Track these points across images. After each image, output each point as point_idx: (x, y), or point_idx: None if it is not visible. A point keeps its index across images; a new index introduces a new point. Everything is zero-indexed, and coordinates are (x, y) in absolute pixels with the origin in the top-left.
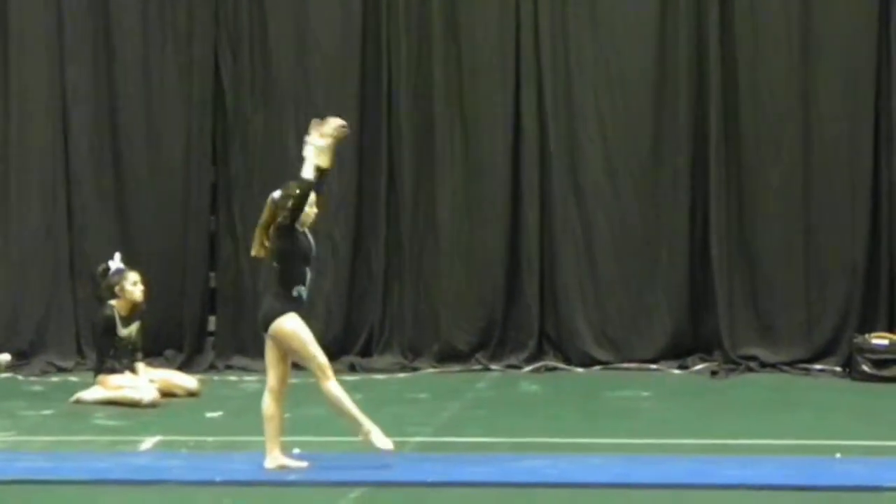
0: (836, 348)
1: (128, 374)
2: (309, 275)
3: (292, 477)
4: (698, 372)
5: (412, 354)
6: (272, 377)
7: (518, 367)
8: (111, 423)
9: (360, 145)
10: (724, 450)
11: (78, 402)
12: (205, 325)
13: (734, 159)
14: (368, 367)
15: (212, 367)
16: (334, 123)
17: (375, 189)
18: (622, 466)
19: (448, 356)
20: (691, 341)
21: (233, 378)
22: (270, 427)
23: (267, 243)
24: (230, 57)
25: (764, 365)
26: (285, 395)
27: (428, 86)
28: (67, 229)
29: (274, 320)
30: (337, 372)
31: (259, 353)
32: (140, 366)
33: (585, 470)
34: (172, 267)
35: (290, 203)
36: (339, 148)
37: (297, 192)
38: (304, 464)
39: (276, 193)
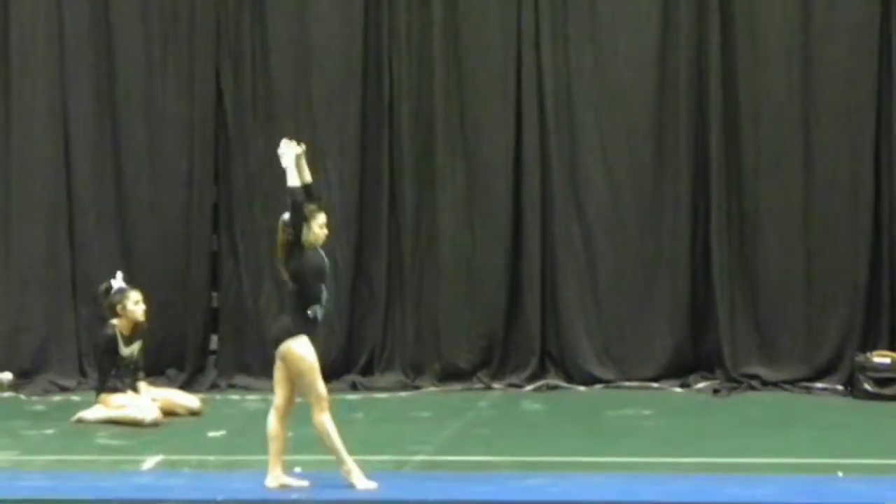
0: (837, 367)
1: (130, 394)
2: (325, 294)
3: (294, 496)
4: (700, 390)
5: (414, 373)
6: (279, 396)
7: (520, 386)
8: (113, 442)
9: (362, 164)
10: (725, 468)
11: (80, 421)
12: (207, 344)
13: (735, 177)
14: (370, 386)
15: (214, 387)
16: (290, 150)
17: (377, 207)
18: (624, 485)
19: (450, 375)
20: (693, 360)
21: (235, 397)
22: (274, 446)
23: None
24: (232, 77)
25: (765, 383)
26: (291, 415)
27: (429, 105)
28: (69, 249)
29: (284, 341)
30: (339, 391)
31: (261, 372)
32: (142, 385)
33: (587, 488)
34: (174, 286)
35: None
36: (340, 167)
37: (290, 203)
38: (305, 483)
39: (286, 215)
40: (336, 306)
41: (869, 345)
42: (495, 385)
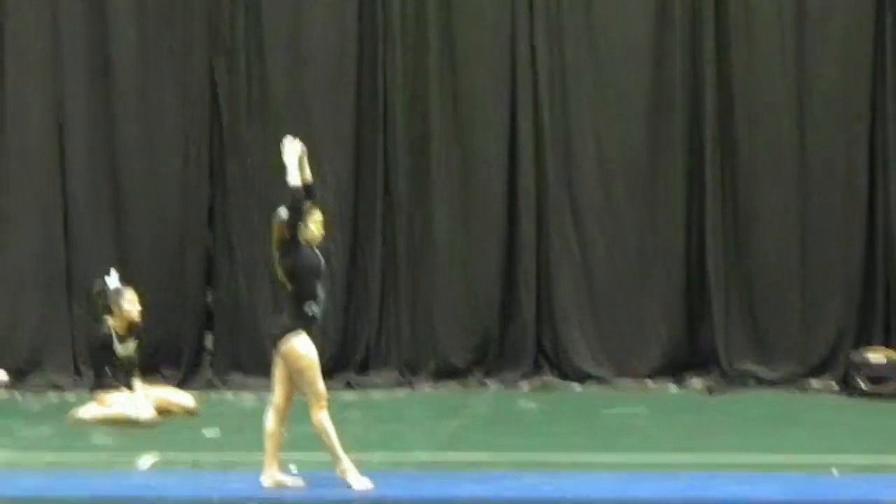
0: (832, 364)
1: (125, 392)
2: (320, 291)
3: (289, 495)
4: (695, 388)
5: (409, 371)
6: (278, 394)
7: (515, 384)
8: (108, 441)
9: (356, 161)
10: (720, 466)
11: (75, 420)
12: (202, 342)
13: (730, 175)
14: (365, 385)
15: (209, 385)
16: (291, 149)
17: (371, 206)
18: (620, 483)
19: (445, 373)
20: (688, 358)
21: (230, 395)
22: (270, 444)
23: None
24: (226, 71)
25: (760, 381)
26: (288, 414)
27: (424, 102)
28: (64, 247)
29: (285, 339)
30: (333, 389)
31: (256, 370)
32: (137, 383)
33: (583, 487)
34: (169, 284)
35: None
36: (335, 164)
37: (289, 201)
38: (300, 482)
39: (281, 212)
40: (330, 305)
41: (863, 342)
42: (490, 383)
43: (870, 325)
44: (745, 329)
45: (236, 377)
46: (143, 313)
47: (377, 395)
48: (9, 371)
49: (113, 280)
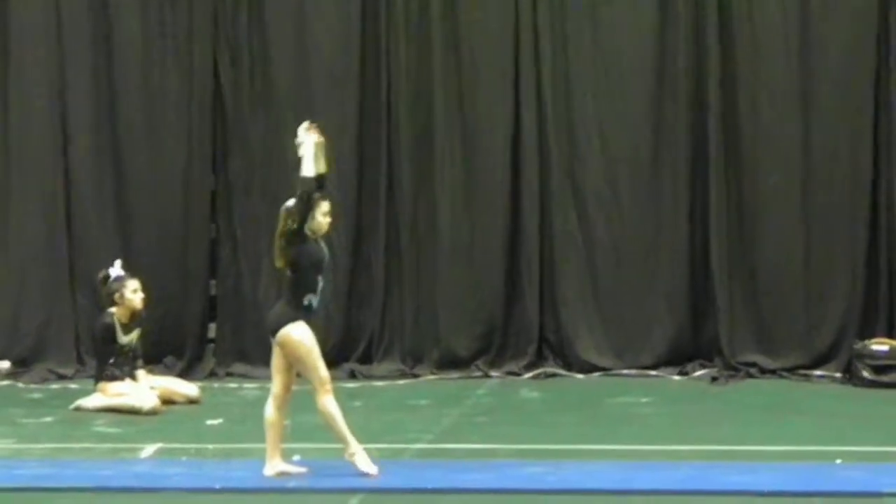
0: (836, 354)
1: (128, 382)
2: (321, 284)
3: (292, 484)
4: (698, 378)
5: (412, 361)
6: (277, 384)
7: (518, 374)
8: (111, 430)
9: (360, 151)
10: (724, 456)
11: (78, 409)
12: (205, 332)
13: (734, 166)
14: (368, 374)
15: (212, 375)
16: (308, 136)
17: (375, 195)
18: (622, 473)
19: (448, 363)
20: (691, 347)
21: (233, 385)
22: (271, 434)
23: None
24: (229, 63)
25: (764, 371)
26: (288, 403)
27: (427, 92)
28: (67, 236)
29: (282, 327)
30: (337, 379)
31: (259, 360)
32: (140, 373)
33: (585, 476)
34: (173, 274)
35: (293, 206)
36: (339, 154)
37: (299, 192)
38: (303, 469)
39: (290, 202)
40: (333, 295)
41: (867, 332)
42: (493, 373)
43: (873, 315)
44: (749, 319)
45: (239, 367)
46: (147, 302)
47: (380, 384)
48: (12, 360)
49: (116, 269)
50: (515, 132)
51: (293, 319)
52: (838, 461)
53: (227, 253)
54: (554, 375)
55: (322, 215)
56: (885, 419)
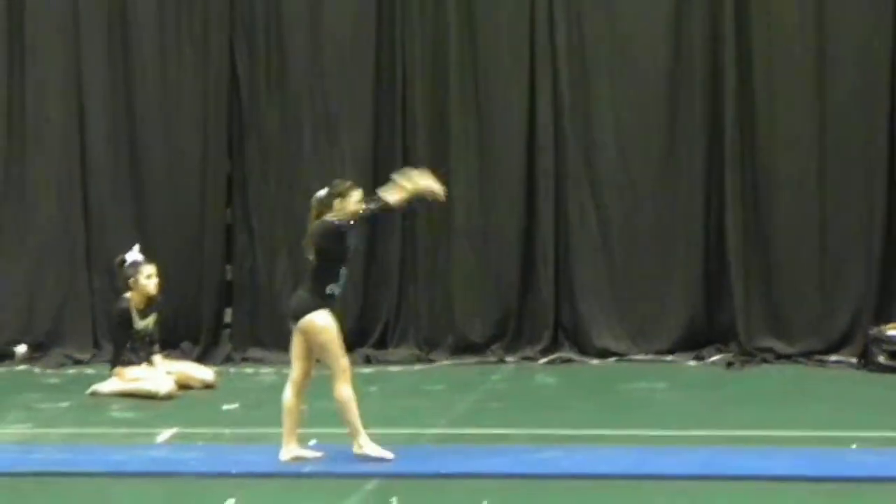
0: (851, 339)
1: (144, 367)
2: (344, 273)
3: (308, 468)
4: (714, 363)
5: (427, 346)
6: (296, 370)
7: (533, 359)
8: (127, 415)
9: (375, 137)
10: (739, 441)
11: (94, 394)
12: (221, 317)
13: (749, 150)
14: (384, 360)
15: (228, 360)
16: (429, 184)
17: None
18: (637, 458)
19: (463, 348)
20: (707, 333)
21: (249, 370)
22: (289, 419)
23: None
24: (245, 49)
25: (779, 356)
26: (306, 389)
27: (443, 76)
28: (84, 221)
29: (305, 314)
30: (352, 364)
31: (275, 345)
32: (157, 358)
33: (600, 461)
34: (188, 259)
35: (361, 211)
36: (354, 141)
37: (372, 207)
38: (319, 454)
39: (321, 193)
40: (350, 281)
41: (882, 317)
42: (509, 358)
43: (889, 300)
44: (764, 304)
45: (255, 352)
46: (162, 288)
47: (395, 369)
48: (28, 345)
49: (133, 254)
50: (531, 117)
51: (317, 307)
52: (854, 446)
53: (242, 238)
54: (569, 361)
55: (355, 203)
56: None
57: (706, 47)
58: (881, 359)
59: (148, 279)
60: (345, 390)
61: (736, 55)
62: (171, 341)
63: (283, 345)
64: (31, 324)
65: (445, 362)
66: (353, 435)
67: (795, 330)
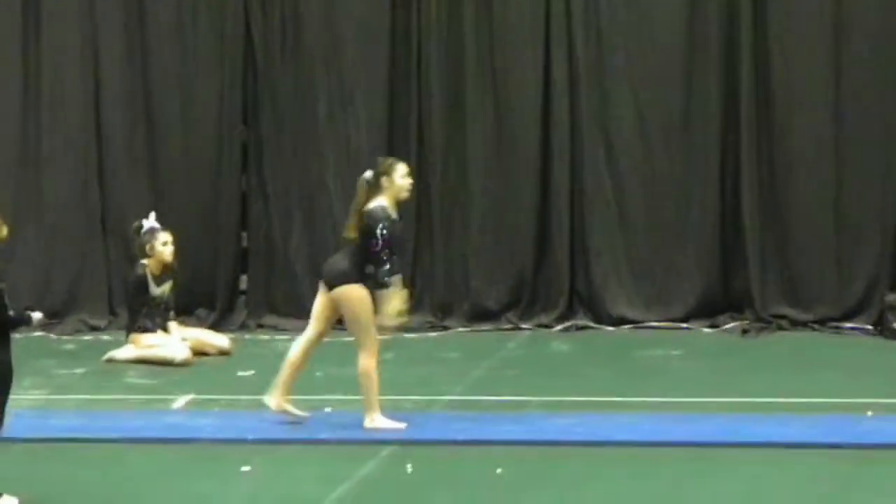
0: (867, 307)
1: (160, 333)
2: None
3: (324, 435)
4: (729, 331)
5: (442, 314)
6: (312, 329)
7: (548, 327)
8: (143, 381)
9: (390, 106)
10: (754, 408)
11: (110, 360)
12: (236, 284)
13: (765, 118)
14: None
15: (244, 326)
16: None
17: (406, 149)
18: (652, 425)
19: (478, 315)
20: (722, 300)
21: (265, 337)
22: (288, 371)
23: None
24: (261, 17)
25: (795, 324)
26: (313, 351)
27: (458, 46)
28: (100, 189)
29: (344, 284)
30: None
31: (290, 312)
32: (172, 325)
33: (615, 428)
34: (204, 226)
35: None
36: (369, 109)
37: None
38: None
39: (368, 174)
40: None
41: None
42: (524, 325)
43: None
44: (780, 271)
45: (270, 319)
46: (178, 255)
47: (411, 336)
48: (45, 312)
49: (150, 221)
50: (546, 87)
51: (355, 281)
52: (869, 413)
53: (258, 206)
54: (584, 328)
55: (401, 177)
56: None
57: (722, 18)
58: None
59: (164, 246)
60: (370, 366)
61: (752, 25)
62: (186, 308)
63: (298, 312)
64: (48, 291)
65: (461, 329)
66: (367, 410)
67: (811, 297)
